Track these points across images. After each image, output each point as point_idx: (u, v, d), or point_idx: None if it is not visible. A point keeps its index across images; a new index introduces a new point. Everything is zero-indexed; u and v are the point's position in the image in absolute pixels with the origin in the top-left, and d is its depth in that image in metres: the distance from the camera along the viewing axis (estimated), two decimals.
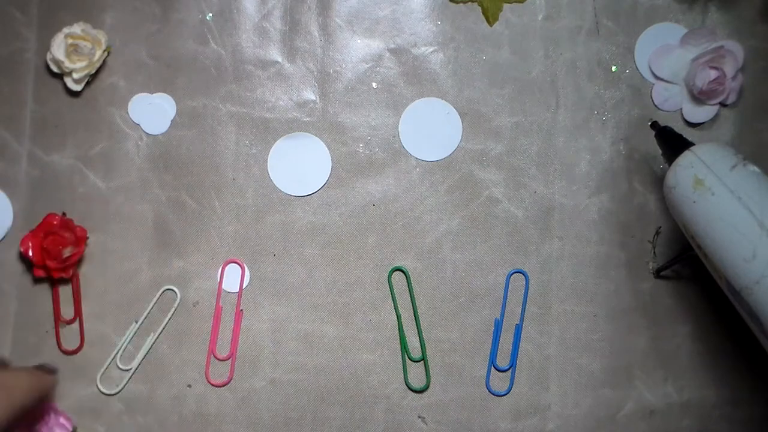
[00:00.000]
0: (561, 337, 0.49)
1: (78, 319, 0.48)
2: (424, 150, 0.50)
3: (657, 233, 0.48)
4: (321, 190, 0.50)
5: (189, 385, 0.48)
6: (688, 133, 0.51)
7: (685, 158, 0.39)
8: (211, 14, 0.51)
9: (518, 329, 0.49)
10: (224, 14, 0.50)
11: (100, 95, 0.50)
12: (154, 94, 0.50)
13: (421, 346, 0.49)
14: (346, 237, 0.50)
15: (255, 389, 0.48)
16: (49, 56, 0.49)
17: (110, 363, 0.48)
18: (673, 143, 0.43)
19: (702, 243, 0.37)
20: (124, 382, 0.48)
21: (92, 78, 0.49)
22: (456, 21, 0.51)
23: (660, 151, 0.46)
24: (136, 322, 0.49)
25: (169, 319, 0.49)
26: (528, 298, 0.49)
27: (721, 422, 0.49)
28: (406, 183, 0.50)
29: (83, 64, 0.48)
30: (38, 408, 0.45)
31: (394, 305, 0.49)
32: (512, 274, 0.50)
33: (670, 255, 0.49)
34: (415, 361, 0.49)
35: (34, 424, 0.45)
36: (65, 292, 0.49)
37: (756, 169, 0.37)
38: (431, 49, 0.51)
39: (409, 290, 0.49)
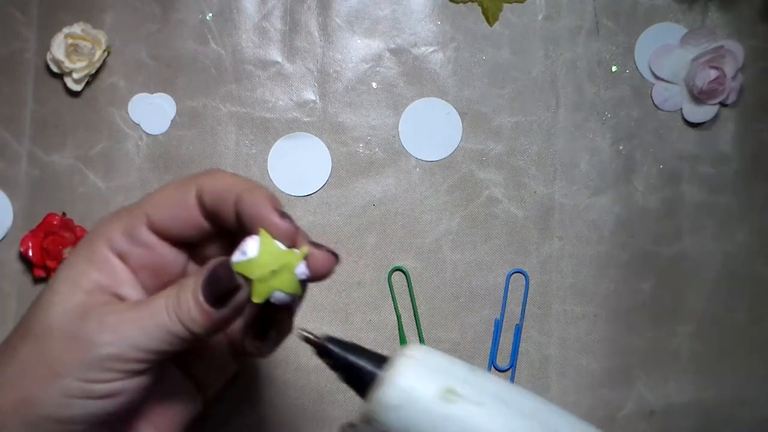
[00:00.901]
0: (561, 337, 0.49)
1: None
2: (424, 150, 0.50)
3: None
4: (321, 190, 0.50)
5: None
6: (688, 133, 0.51)
7: (410, 368, 0.28)
8: (211, 14, 0.51)
9: (518, 329, 0.49)
10: (224, 14, 0.51)
11: (100, 95, 0.50)
12: (154, 94, 0.50)
13: None
14: (346, 237, 0.50)
15: (255, 389, 0.48)
16: (49, 56, 0.49)
17: None
18: (351, 358, 0.30)
19: None
20: None
21: (92, 78, 0.49)
22: (456, 21, 0.51)
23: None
24: None
25: None
26: (528, 298, 0.49)
27: (721, 422, 0.49)
28: (406, 183, 0.50)
29: (83, 64, 0.48)
30: None
31: (394, 305, 0.49)
32: (512, 274, 0.50)
33: None
34: None
35: None
36: None
37: (478, 367, 0.30)
38: (431, 49, 0.51)
39: (409, 290, 0.49)
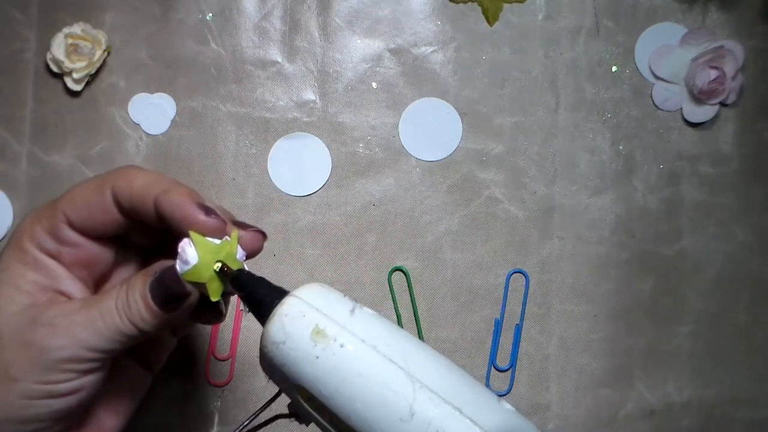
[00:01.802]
0: (561, 337, 0.49)
1: None
2: (424, 150, 0.50)
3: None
4: (321, 190, 0.50)
5: (189, 385, 0.48)
6: (688, 133, 0.51)
7: (292, 306, 0.29)
8: (211, 14, 0.51)
9: (518, 329, 0.49)
10: (224, 14, 0.50)
11: (100, 95, 0.50)
12: (154, 94, 0.50)
13: None
14: (346, 237, 0.50)
15: (255, 389, 0.48)
16: (49, 56, 0.48)
17: None
18: (258, 291, 0.31)
19: (334, 404, 0.28)
20: None
21: (92, 78, 0.49)
22: (456, 21, 0.51)
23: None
24: None
25: None
26: (528, 298, 0.49)
27: (722, 422, 0.49)
28: (406, 183, 0.50)
29: (83, 64, 0.48)
30: None
31: (394, 305, 0.49)
32: (512, 274, 0.50)
33: None
34: None
35: None
36: None
37: (371, 311, 0.30)
38: (431, 49, 0.51)
39: (409, 290, 0.49)
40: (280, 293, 0.30)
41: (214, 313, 0.34)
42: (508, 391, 0.49)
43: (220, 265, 0.30)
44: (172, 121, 0.50)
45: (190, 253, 0.30)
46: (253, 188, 0.50)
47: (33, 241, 0.32)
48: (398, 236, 0.50)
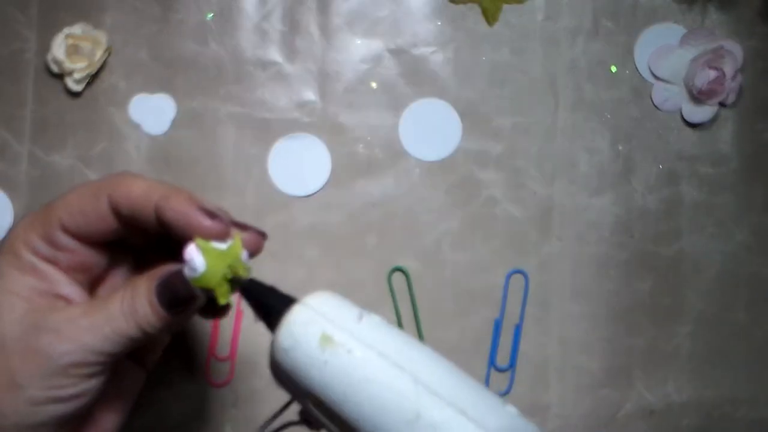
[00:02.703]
0: (561, 337, 0.49)
1: None
2: (424, 150, 0.50)
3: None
4: (321, 190, 0.50)
5: (189, 385, 0.48)
6: (687, 133, 0.51)
7: (300, 314, 0.30)
8: (211, 14, 0.51)
9: (518, 329, 0.49)
10: (224, 14, 0.51)
11: (100, 95, 0.50)
12: (155, 95, 0.50)
13: None
14: (346, 237, 0.50)
15: (255, 389, 0.48)
16: (49, 56, 0.49)
17: None
18: (267, 300, 0.32)
19: (342, 409, 0.29)
20: None
21: (92, 78, 0.49)
22: (456, 21, 0.51)
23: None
24: None
25: None
26: (528, 298, 0.49)
27: (721, 422, 0.49)
28: (406, 183, 0.50)
29: (83, 64, 0.48)
30: None
31: (394, 305, 0.49)
32: (512, 274, 0.50)
33: None
34: None
35: None
36: None
37: (378, 317, 0.31)
38: (431, 50, 0.51)
39: (409, 290, 0.49)
40: (289, 301, 0.31)
41: (220, 311, 0.35)
42: (508, 392, 0.49)
43: (229, 272, 0.31)
44: (172, 121, 0.50)
45: (198, 260, 0.30)
46: (253, 188, 0.50)
47: (28, 247, 0.32)
48: (398, 236, 0.50)
